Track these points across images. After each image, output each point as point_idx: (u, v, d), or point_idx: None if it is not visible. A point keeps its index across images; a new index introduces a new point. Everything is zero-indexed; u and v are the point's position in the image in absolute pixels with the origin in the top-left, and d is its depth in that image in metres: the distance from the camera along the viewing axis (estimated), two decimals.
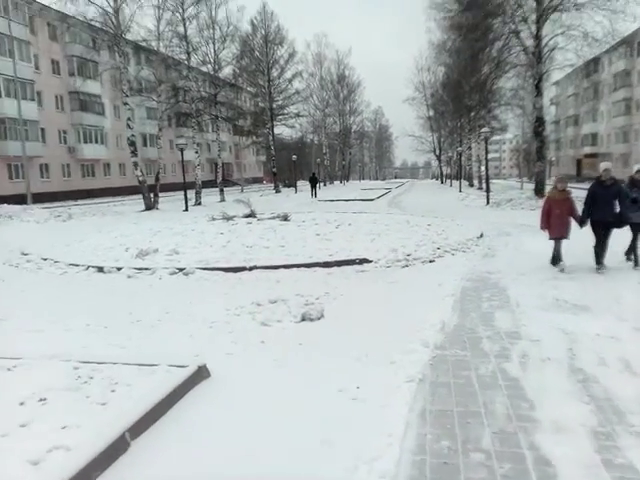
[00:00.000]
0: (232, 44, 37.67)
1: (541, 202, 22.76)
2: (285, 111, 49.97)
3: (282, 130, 54.53)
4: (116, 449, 3.19)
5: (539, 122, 24.97)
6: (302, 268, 9.16)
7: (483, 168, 42.26)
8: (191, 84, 32.06)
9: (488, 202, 24.53)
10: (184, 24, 30.59)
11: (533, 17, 22.96)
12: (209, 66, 35.32)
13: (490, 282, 7.84)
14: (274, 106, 47.36)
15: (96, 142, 44.37)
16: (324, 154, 66.26)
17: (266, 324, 5.88)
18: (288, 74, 48.93)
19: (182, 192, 29.65)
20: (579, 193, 10.64)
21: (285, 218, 14.74)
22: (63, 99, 41.50)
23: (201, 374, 4.37)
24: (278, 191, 46.08)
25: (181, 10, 29.96)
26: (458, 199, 30.24)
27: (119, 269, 9.62)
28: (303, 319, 6.01)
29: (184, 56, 31.42)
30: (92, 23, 26.23)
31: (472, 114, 42.88)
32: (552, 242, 8.64)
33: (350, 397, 4.03)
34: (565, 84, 65.02)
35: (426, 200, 30.59)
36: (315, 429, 3.52)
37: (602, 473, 2.96)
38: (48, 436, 3.24)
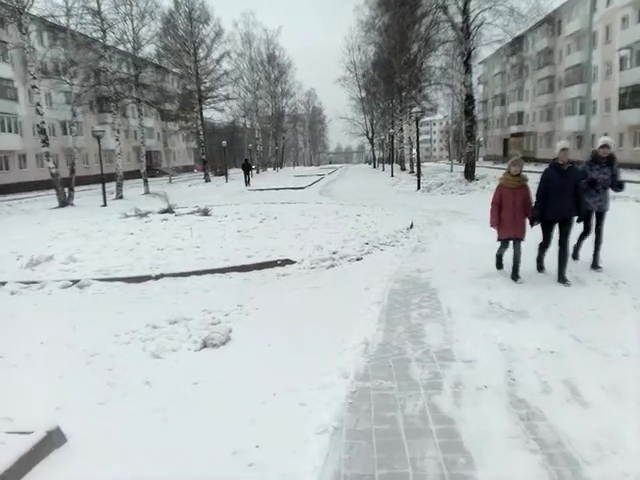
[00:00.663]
0: (152, 21, 35.33)
1: (472, 186, 23.07)
2: (214, 93, 47.98)
3: (212, 114, 52.44)
4: None
5: (469, 100, 24.72)
6: (216, 274, 8.17)
7: (415, 151, 42.49)
8: (109, 64, 29.63)
9: (419, 187, 24.29)
10: None
11: None
12: (128, 45, 32.83)
13: (420, 283, 7.18)
14: (202, 88, 45.25)
15: (9, 131, 40.27)
16: (257, 139, 64.66)
17: (158, 356, 4.89)
18: (215, 54, 47.06)
19: (110, 184, 27.70)
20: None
21: (205, 213, 13.62)
22: None
23: (52, 441, 3.35)
24: (208, 180, 44.30)
25: None
26: (389, 184, 29.95)
27: (3, 284, 8.25)
28: (204, 345, 5.07)
29: (99, 34, 28.91)
30: None
31: (403, 94, 42.82)
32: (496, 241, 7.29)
33: (246, 462, 3.17)
34: (492, 63, 66.06)
35: (358, 187, 30.12)
36: None
37: None
38: None
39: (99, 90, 31.01)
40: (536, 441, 3.23)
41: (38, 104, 24.63)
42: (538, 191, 6.73)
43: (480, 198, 19.30)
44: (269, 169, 70.60)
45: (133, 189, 34.88)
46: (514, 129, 61.10)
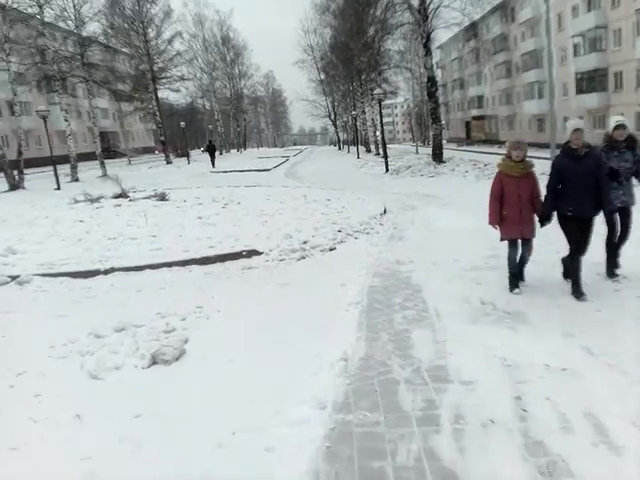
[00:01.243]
0: None
1: (441, 168, 22.54)
2: (168, 74, 46.00)
3: (167, 94, 50.53)
4: None
5: (431, 82, 24.07)
6: (174, 267, 7.30)
7: (379, 133, 41.91)
8: (50, 42, 27.53)
9: (387, 169, 23.68)
10: None
11: None
12: (70, 22, 30.66)
13: (401, 277, 6.50)
14: (155, 68, 43.36)
15: None
16: (217, 120, 62.84)
17: (96, 376, 4.04)
18: (166, 34, 45.10)
19: (64, 166, 26.02)
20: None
21: (162, 198, 12.59)
22: None
23: None
24: (169, 162, 42.64)
25: None
26: (356, 166, 29.26)
27: None
28: (154, 362, 4.25)
29: (35, 9, 26.69)
30: None
31: (363, 77, 42.20)
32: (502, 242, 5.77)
33: None
34: (449, 48, 65.99)
35: (324, 169, 29.33)
36: None
37: None
38: None
39: (42, 69, 28.87)
40: None
41: None
42: (548, 184, 5.39)
43: (451, 181, 18.89)
44: (232, 150, 68.78)
45: (91, 171, 33.09)
46: (475, 112, 61.33)
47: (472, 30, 44.60)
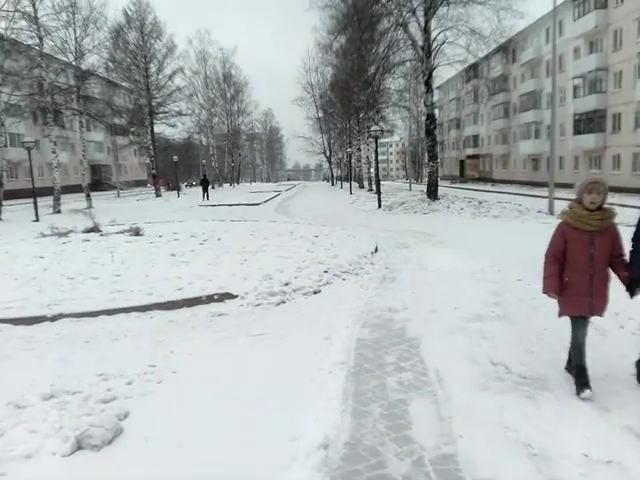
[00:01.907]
0: (97, 31, 32.97)
1: (435, 205, 21.87)
2: (166, 109, 45.89)
3: (163, 129, 50.30)
4: None
5: (430, 120, 23.69)
6: (133, 313, 6.36)
7: (373, 170, 41.59)
8: (45, 74, 27.08)
9: (380, 206, 23.01)
10: (33, 3, 25.68)
11: (421, 10, 21.69)
12: (70, 55, 30.39)
13: (395, 329, 5.59)
14: (153, 103, 43.21)
15: None
16: (212, 155, 62.64)
17: None
18: (168, 70, 45.14)
19: (50, 198, 25.29)
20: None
21: (137, 232, 11.67)
22: None
23: None
24: (159, 195, 42.04)
25: None
26: (349, 202, 28.63)
27: None
28: (79, 446, 3.29)
29: (35, 40, 26.36)
30: None
31: (361, 115, 42.21)
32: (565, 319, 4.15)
33: None
34: (446, 89, 67.30)
35: (316, 204, 28.67)
36: None
37: None
38: None
39: (35, 100, 28.36)
40: None
41: None
42: (637, 236, 3.92)
43: (446, 218, 18.18)
44: (225, 185, 68.37)
45: (76, 203, 32.27)
46: (470, 151, 61.72)
47: (472, 71, 45.03)
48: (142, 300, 6.66)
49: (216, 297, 6.89)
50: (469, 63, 23.56)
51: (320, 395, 3.94)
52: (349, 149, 48.15)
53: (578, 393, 3.76)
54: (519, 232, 13.82)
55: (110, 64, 39.25)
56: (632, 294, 3.85)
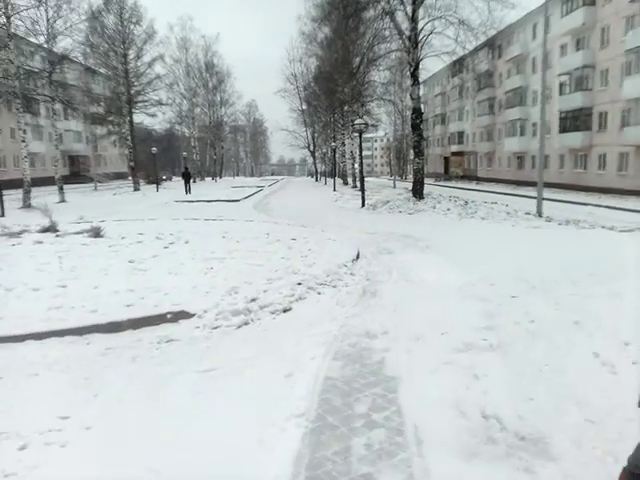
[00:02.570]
0: (71, 13, 31.36)
1: (421, 205, 21.02)
2: (145, 97, 44.42)
3: (143, 119, 48.79)
4: None
5: (416, 114, 22.67)
6: (68, 337, 5.44)
7: (357, 165, 40.74)
8: (13, 56, 25.62)
9: (364, 204, 22.20)
10: None
11: None
12: (41, 38, 28.90)
13: (371, 363, 4.75)
14: (132, 91, 41.75)
15: None
16: (193, 147, 61.22)
17: None
18: (147, 57, 43.64)
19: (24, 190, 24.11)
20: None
21: (97, 233, 10.68)
22: None
23: None
24: (137, 189, 40.63)
25: None
26: (332, 200, 27.78)
27: None
28: None
29: (2, 20, 24.86)
30: None
31: (345, 108, 41.35)
32: None
33: None
34: (431, 83, 66.54)
35: (298, 201, 27.74)
36: None
37: None
38: None
39: (1, 84, 26.88)
40: None
41: None
42: None
43: (432, 220, 17.44)
44: (207, 179, 66.95)
45: (50, 197, 30.91)
46: (455, 148, 61.11)
47: (458, 65, 44.42)
48: (81, 320, 5.73)
49: (169, 316, 5.99)
50: (457, 55, 22.68)
51: (265, 468, 3.08)
52: (333, 143, 47.23)
53: None
54: (509, 236, 13.13)
55: (87, 49, 37.78)
56: None
